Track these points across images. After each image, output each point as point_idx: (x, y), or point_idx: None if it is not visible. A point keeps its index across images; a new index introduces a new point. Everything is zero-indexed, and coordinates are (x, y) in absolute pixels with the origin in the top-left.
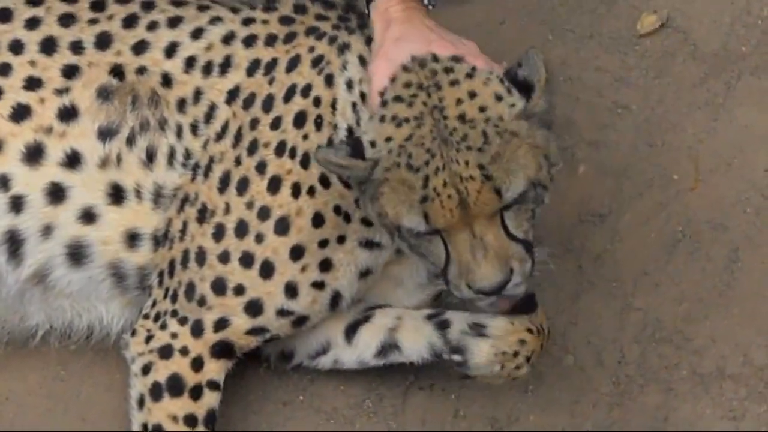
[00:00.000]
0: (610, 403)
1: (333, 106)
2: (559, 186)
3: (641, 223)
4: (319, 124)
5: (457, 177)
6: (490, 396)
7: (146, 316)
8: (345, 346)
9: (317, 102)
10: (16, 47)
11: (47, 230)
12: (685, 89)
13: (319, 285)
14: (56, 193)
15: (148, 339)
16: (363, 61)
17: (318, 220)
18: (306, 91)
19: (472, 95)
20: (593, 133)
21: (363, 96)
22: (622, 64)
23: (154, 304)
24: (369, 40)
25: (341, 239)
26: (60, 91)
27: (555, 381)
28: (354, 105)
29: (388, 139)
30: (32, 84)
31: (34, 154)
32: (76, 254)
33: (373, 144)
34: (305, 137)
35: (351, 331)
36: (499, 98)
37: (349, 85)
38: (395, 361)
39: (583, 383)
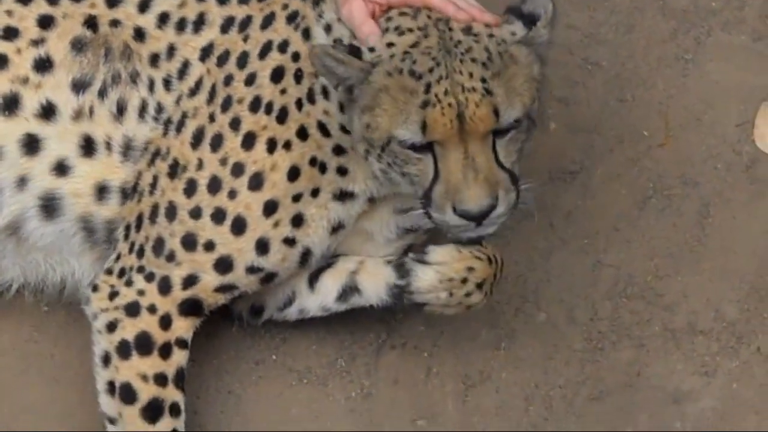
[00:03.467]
0: (582, 359)
1: None
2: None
3: (612, 180)
4: (299, 77)
5: (459, 87)
6: (462, 353)
7: (109, 272)
8: (308, 294)
9: (296, 57)
10: None
11: (22, 182)
12: (655, 45)
13: (290, 241)
14: (31, 145)
15: (113, 295)
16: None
17: (293, 174)
18: (283, 46)
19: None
20: (563, 91)
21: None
22: (592, 20)
23: (118, 258)
24: None
25: (315, 192)
26: (36, 42)
27: (527, 338)
28: (336, 42)
29: (390, 45)
30: (9, 34)
31: (10, 105)
32: (49, 206)
33: (372, 50)
34: (283, 92)
35: (314, 278)
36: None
37: (327, 29)
38: (356, 304)
39: (556, 340)
